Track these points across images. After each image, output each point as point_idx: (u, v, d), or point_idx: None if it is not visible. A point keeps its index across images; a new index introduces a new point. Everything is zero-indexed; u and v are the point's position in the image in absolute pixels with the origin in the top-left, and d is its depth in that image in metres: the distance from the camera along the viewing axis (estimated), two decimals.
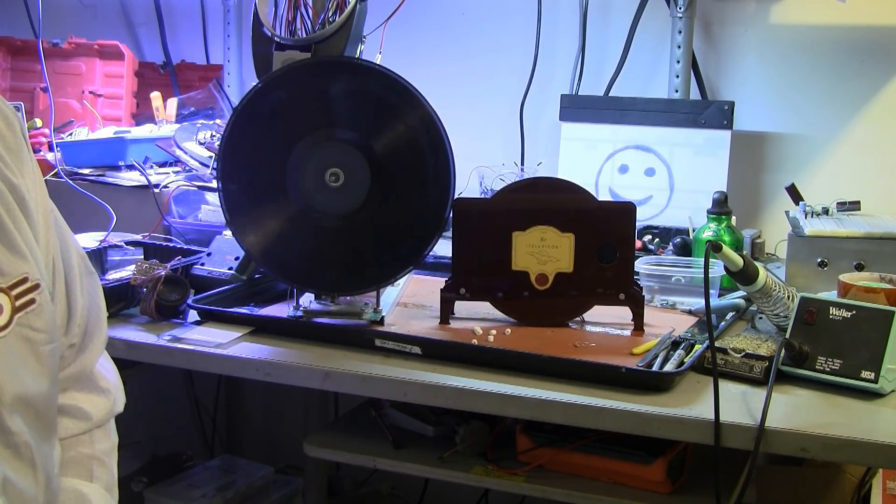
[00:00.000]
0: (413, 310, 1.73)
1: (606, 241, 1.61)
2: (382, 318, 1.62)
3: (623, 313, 1.64)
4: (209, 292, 1.72)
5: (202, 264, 1.80)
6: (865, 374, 1.35)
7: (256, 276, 1.79)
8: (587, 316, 1.66)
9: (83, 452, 1.11)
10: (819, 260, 1.74)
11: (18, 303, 0.93)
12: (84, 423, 1.11)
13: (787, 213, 1.96)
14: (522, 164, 2.36)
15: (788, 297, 1.55)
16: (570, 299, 1.64)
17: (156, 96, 2.42)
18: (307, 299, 1.67)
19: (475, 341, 1.55)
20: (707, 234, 1.86)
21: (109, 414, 1.15)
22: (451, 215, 1.62)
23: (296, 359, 1.51)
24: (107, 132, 2.35)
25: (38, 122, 2.42)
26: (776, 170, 2.23)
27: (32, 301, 0.95)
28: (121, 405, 1.17)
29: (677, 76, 2.21)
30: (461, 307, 1.66)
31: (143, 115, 2.50)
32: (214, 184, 1.86)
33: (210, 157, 2.17)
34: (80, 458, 1.10)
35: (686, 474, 1.52)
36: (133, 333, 1.60)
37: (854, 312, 1.40)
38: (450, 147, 1.58)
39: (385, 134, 1.58)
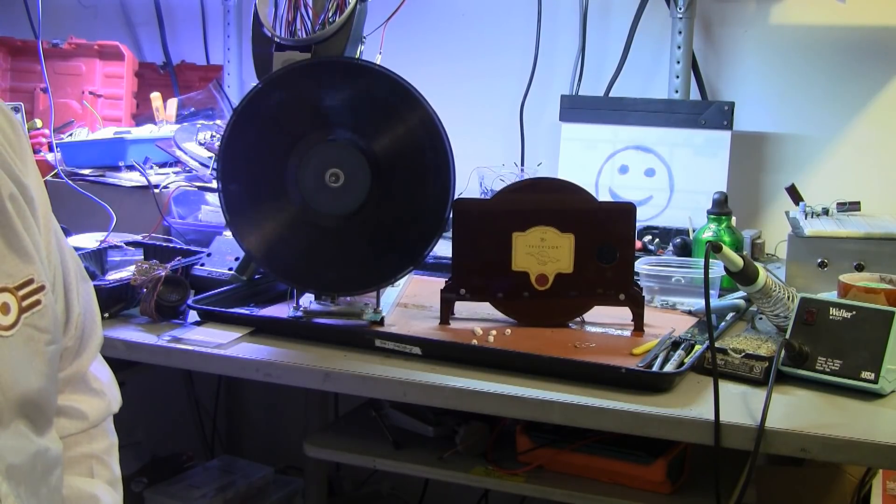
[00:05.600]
0: (413, 310, 1.72)
1: (606, 241, 1.61)
2: (382, 318, 1.62)
3: (623, 314, 1.64)
4: (209, 293, 1.72)
5: (202, 265, 1.80)
6: (865, 374, 1.35)
7: (256, 276, 1.79)
8: (587, 316, 1.66)
9: (81, 451, 1.12)
10: (819, 260, 1.74)
11: (25, 303, 0.94)
12: (80, 422, 1.12)
13: (787, 213, 1.95)
14: (522, 164, 2.36)
15: (788, 297, 1.54)
16: (570, 300, 1.63)
17: (156, 97, 2.42)
18: (307, 300, 1.67)
19: (475, 342, 1.55)
20: (707, 235, 1.86)
21: (105, 413, 1.16)
22: (451, 215, 1.62)
23: (296, 359, 1.51)
24: (107, 132, 2.35)
25: (38, 123, 2.42)
26: (776, 170, 2.23)
27: (38, 302, 0.96)
28: (116, 405, 1.18)
29: (677, 76, 2.21)
30: (461, 307, 1.66)
31: (143, 115, 2.50)
32: (214, 184, 1.86)
33: (210, 157, 2.17)
34: (78, 457, 1.11)
35: (686, 474, 1.52)
36: (133, 334, 1.60)
37: (854, 313, 1.40)
38: (450, 147, 1.58)
39: (385, 134, 1.58)
